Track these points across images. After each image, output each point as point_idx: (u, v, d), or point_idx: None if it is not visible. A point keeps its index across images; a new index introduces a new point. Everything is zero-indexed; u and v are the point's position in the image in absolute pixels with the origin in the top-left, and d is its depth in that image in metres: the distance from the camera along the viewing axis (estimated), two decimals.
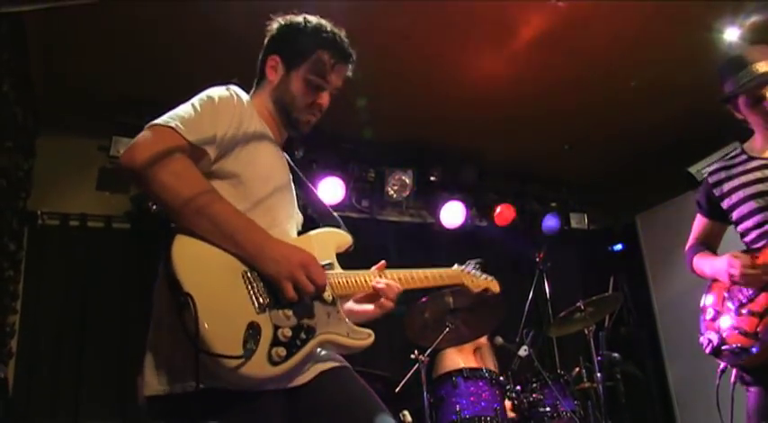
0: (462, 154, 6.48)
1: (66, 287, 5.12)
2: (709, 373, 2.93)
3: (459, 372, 4.37)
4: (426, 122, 5.83)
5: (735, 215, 2.94)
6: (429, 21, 4.48)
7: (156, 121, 1.88)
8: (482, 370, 4.45)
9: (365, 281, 2.12)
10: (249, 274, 1.81)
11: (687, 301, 3.04)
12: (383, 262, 2.23)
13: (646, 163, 6.52)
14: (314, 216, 2.36)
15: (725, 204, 2.97)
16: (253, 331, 1.71)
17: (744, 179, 2.89)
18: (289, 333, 1.78)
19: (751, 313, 2.71)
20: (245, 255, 1.81)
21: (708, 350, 2.84)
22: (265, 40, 2.27)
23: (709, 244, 3.12)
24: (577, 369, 4.96)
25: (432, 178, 6.47)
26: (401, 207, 6.61)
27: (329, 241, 2.14)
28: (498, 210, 6.71)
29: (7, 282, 4.52)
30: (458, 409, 4.20)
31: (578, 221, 7.08)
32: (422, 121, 5.80)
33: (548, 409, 4.42)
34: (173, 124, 1.86)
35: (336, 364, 2.04)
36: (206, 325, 1.65)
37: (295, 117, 2.17)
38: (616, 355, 5.00)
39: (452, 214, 6.50)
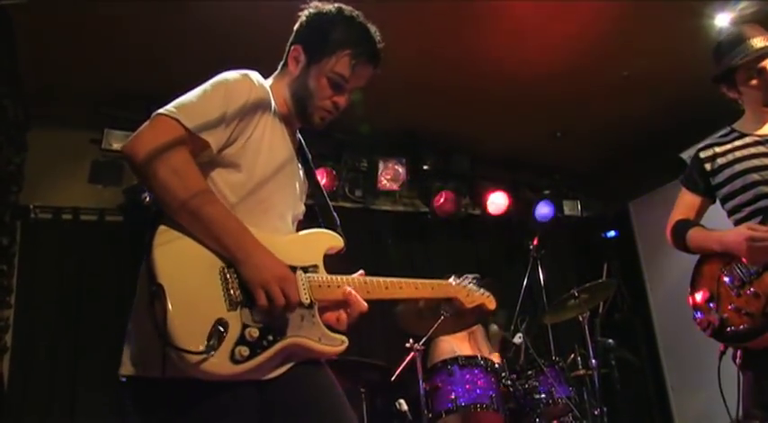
0: (454, 142, 6.48)
1: (60, 281, 5.10)
2: (703, 358, 2.93)
3: (455, 360, 4.38)
4: (418, 112, 5.83)
5: (725, 190, 2.92)
6: (418, 10, 4.47)
7: (160, 111, 1.85)
8: (477, 358, 4.46)
9: (345, 287, 2.05)
10: (227, 271, 1.82)
11: (681, 286, 3.00)
12: (362, 272, 2.15)
13: (638, 149, 6.53)
14: (315, 209, 2.31)
15: (715, 180, 2.96)
16: (219, 328, 1.72)
17: (737, 154, 2.89)
18: (256, 333, 1.78)
19: (755, 294, 2.66)
20: (229, 257, 1.82)
21: (708, 332, 2.79)
22: (294, 27, 2.18)
23: (695, 221, 3.05)
24: (572, 356, 4.98)
25: (424, 167, 6.47)
26: (394, 196, 6.61)
27: (319, 243, 2.11)
28: (491, 198, 6.73)
29: (1, 276, 4.51)
30: (453, 396, 4.21)
31: (571, 208, 7.09)
32: (413, 111, 5.79)
33: (543, 396, 4.44)
34: (177, 115, 1.84)
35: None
36: (172, 317, 1.67)
37: (309, 112, 2.12)
38: (611, 341, 5.04)
39: (445, 203, 6.50)
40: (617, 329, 5.92)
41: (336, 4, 2.15)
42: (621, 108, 5.95)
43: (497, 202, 6.74)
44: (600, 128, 6.28)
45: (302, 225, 2.22)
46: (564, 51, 5.10)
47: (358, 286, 2.08)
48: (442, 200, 6.49)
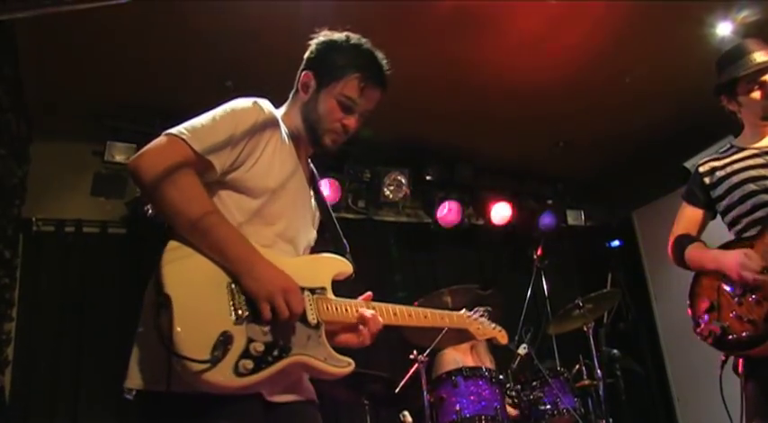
0: (457, 153, 6.48)
1: (63, 294, 5.09)
2: (708, 368, 2.91)
3: (459, 371, 4.36)
4: (421, 122, 5.83)
5: (725, 203, 2.96)
6: (422, 21, 4.48)
7: (170, 130, 1.89)
8: (482, 369, 4.43)
9: (355, 309, 2.10)
10: (234, 287, 1.84)
11: (686, 295, 3.00)
12: (369, 293, 2.19)
13: (641, 158, 6.52)
14: (326, 237, 2.34)
15: (715, 192, 3.01)
16: (224, 340, 1.73)
17: (735, 167, 2.95)
18: (261, 348, 1.79)
19: (757, 301, 2.67)
20: (233, 271, 1.84)
21: (710, 341, 2.79)
22: (305, 55, 2.23)
23: (696, 235, 3.09)
24: (577, 366, 4.95)
25: (427, 178, 6.46)
26: (398, 207, 6.60)
27: (328, 267, 2.13)
28: (495, 208, 6.71)
29: (3, 289, 4.51)
30: (458, 408, 4.18)
31: (575, 218, 7.08)
32: (416, 122, 5.79)
33: (548, 406, 4.41)
34: (185, 136, 1.87)
35: (309, 397, 2.10)
36: (178, 326, 1.68)
37: (320, 134, 2.15)
38: (615, 351, 5.01)
39: (449, 213, 6.49)
40: (622, 339, 5.89)
41: (345, 33, 2.21)
42: (624, 117, 5.94)
43: (501, 212, 6.73)
44: (603, 137, 6.28)
45: (313, 251, 2.26)
46: (566, 61, 5.10)
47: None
48: (445, 210, 6.49)
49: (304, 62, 2.22)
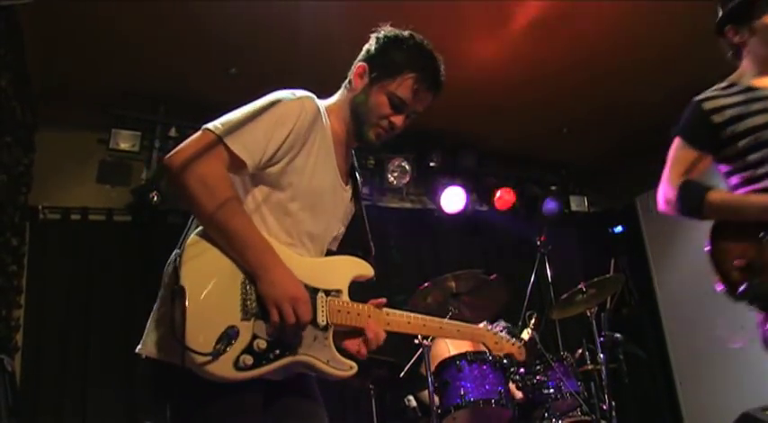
0: (461, 139, 6.48)
1: (69, 280, 5.15)
2: (710, 352, 2.91)
3: (464, 355, 4.38)
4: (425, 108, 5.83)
5: (742, 144, 2.55)
6: (426, 6, 4.48)
7: (207, 125, 1.90)
8: (486, 353, 4.45)
9: (367, 315, 2.06)
10: (247, 283, 1.86)
11: (688, 280, 2.98)
12: (383, 299, 2.13)
13: (644, 144, 6.49)
14: (353, 234, 2.33)
15: (726, 133, 2.59)
16: (230, 334, 1.77)
17: (753, 107, 2.55)
18: (263, 345, 1.82)
19: None
20: (249, 271, 1.86)
21: (758, 303, 2.39)
22: (365, 46, 2.22)
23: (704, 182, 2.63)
24: (580, 351, 4.98)
25: (431, 164, 6.47)
26: (401, 193, 6.63)
27: (347, 269, 2.11)
28: (498, 194, 6.73)
29: (11, 276, 4.54)
30: (462, 392, 4.20)
31: (578, 204, 7.10)
32: None
33: (551, 390, 4.44)
34: (221, 132, 1.87)
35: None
36: (187, 318, 1.73)
37: (366, 129, 2.13)
38: (618, 335, 5.02)
39: (453, 199, 6.52)
40: (624, 324, 5.88)
41: (409, 31, 2.20)
42: (627, 103, 5.94)
43: (504, 198, 6.74)
44: (606, 123, 6.27)
45: (338, 248, 2.27)
46: (570, 48, 5.09)
47: (379, 317, 2.09)
48: (449, 196, 6.50)
49: (363, 53, 2.20)
